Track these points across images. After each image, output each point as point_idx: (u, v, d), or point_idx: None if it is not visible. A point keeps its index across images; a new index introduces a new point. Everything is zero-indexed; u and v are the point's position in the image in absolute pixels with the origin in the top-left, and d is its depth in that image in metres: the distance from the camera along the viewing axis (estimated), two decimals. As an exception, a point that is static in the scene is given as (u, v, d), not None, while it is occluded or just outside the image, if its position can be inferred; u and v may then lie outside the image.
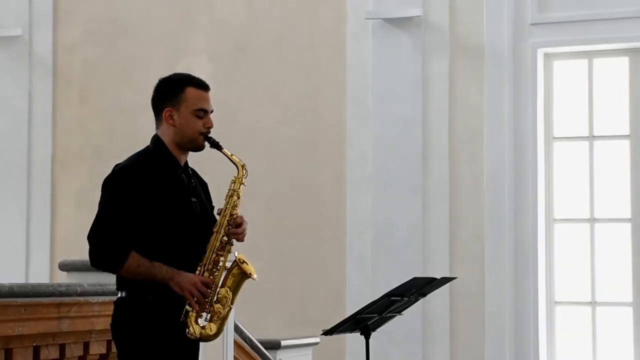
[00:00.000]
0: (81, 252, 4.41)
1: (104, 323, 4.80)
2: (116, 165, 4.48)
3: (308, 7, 8.66)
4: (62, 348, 4.97)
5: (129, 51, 9.03)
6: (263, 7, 8.78)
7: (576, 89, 8.22)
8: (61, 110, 9.17)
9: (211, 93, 4.59)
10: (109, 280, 4.59)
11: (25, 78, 9.15)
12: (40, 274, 8.90)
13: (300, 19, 8.68)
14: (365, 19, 8.37)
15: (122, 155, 4.57)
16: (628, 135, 8.07)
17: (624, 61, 8.12)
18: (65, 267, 5.72)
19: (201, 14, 8.92)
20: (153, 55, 8.87)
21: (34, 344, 4.78)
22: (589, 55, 8.18)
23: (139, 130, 4.86)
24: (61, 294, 4.88)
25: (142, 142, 4.61)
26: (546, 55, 8.20)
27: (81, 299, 4.97)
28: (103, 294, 5.03)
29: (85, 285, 5.05)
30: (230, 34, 8.85)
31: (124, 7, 9.08)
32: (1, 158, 9.12)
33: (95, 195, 4.45)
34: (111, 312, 4.45)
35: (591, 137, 8.19)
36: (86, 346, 5.13)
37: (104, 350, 5.26)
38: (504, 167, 8.07)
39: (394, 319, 5.58)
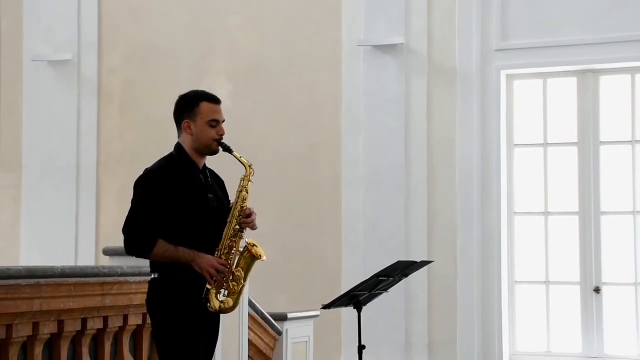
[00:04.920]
0: (121, 240, 4.42)
1: (141, 299, 4.81)
2: (146, 169, 4.48)
3: (310, 35, 8.66)
4: (105, 320, 4.99)
5: (160, 72, 9.03)
6: (272, 36, 8.78)
7: (533, 104, 8.21)
8: (104, 122, 9.16)
9: (228, 108, 4.58)
10: (144, 263, 4.60)
11: (75, 95, 9.15)
12: (88, 258, 8.90)
13: (304, 45, 8.67)
14: (358, 45, 8.38)
15: (156, 159, 4.57)
16: (576, 143, 8.08)
17: (573, 81, 8.11)
18: (108, 252, 5.72)
19: (220, 41, 8.92)
20: (181, 76, 8.87)
21: (82, 317, 4.80)
22: (544, 76, 8.18)
23: (169, 139, 4.84)
24: (105, 275, 4.89)
25: (172, 149, 4.61)
26: (508, 76, 8.19)
27: (121, 279, 4.98)
28: (140, 274, 5.04)
29: (125, 267, 5.06)
30: (245, 58, 8.84)
31: (156, 35, 9.08)
32: (55, 163, 9.12)
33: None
34: (146, 290, 4.46)
35: (545, 144, 8.19)
36: (125, 318, 5.15)
37: (140, 322, 5.27)
38: (473, 169, 8.08)
39: (382, 296, 5.59)
